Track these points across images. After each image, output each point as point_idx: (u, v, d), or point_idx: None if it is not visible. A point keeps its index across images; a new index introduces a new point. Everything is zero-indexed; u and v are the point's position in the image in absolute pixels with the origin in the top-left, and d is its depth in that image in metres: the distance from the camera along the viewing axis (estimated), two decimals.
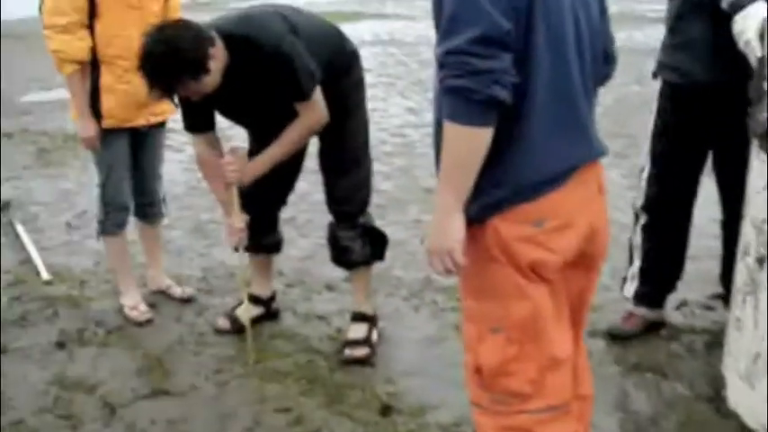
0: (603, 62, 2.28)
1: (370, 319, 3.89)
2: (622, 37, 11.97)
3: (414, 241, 5.08)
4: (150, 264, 4.46)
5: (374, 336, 3.86)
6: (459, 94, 1.94)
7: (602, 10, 2.26)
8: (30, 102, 10.04)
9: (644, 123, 3.87)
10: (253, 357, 3.74)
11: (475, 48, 1.90)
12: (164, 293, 4.42)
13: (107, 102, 3.92)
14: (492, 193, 2.08)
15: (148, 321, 4.13)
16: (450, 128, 1.99)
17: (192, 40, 3.20)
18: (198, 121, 3.63)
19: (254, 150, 3.68)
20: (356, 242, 3.75)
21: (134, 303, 4.19)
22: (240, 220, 3.67)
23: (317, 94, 3.42)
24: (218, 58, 3.28)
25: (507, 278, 2.14)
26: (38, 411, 3.38)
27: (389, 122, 8.33)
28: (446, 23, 1.96)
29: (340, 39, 3.66)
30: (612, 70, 2.38)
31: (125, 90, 3.90)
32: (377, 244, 3.84)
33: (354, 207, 3.75)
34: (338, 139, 3.63)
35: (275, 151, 3.52)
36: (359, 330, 3.83)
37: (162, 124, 4.18)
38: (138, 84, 3.87)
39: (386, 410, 3.36)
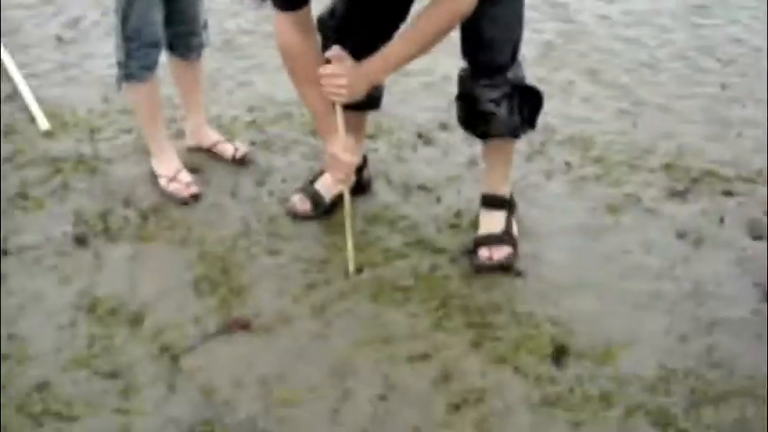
0: None
1: (508, 205, 2.83)
2: None
3: None
4: (190, 112, 3.28)
5: (514, 228, 2.82)
6: None
7: None
8: None
9: None
10: (353, 264, 2.70)
11: None
12: (208, 152, 3.29)
13: None
14: None
15: (194, 197, 3.04)
16: None
17: None
18: None
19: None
20: (501, 106, 2.60)
21: (173, 172, 3.07)
22: (348, 148, 2.54)
23: None
24: None
25: None
26: (68, 365, 2.35)
27: None
28: None
29: None
30: None
31: None
32: (528, 107, 2.68)
33: (504, 55, 2.56)
34: None
35: (403, 50, 2.36)
36: (494, 221, 2.78)
37: None
38: None
39: (559, 354, 2.39)
